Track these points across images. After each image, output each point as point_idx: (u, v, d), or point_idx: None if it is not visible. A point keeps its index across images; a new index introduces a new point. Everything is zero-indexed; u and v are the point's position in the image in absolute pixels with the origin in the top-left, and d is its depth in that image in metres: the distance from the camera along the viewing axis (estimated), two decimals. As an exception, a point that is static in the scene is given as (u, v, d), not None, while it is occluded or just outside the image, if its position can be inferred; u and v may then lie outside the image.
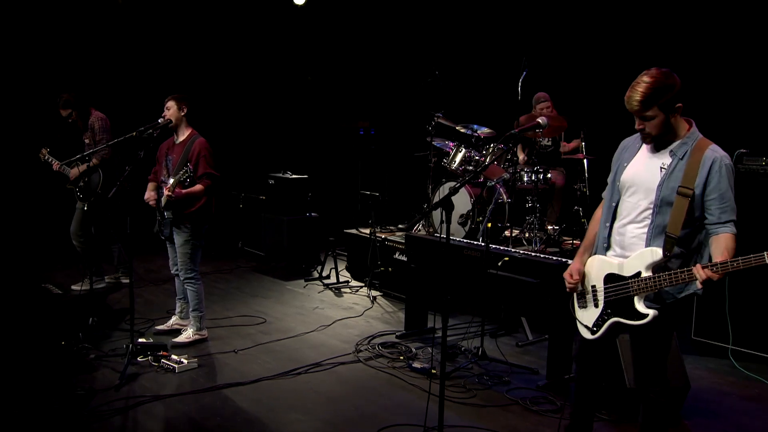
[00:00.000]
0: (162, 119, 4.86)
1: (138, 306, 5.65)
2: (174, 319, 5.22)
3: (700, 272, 2.52)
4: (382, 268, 6.50)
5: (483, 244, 4.81)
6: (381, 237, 6.58)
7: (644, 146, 2.87)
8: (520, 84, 5.93)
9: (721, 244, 2.62)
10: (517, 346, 5.06)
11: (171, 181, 4.70)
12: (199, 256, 4.95)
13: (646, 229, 2.79)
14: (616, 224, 2.92)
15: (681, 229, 2.68)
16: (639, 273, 2.75)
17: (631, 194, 2.86)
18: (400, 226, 7.32)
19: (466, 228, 6.03)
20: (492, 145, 6.12)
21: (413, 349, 4.89)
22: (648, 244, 2.78)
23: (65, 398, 3.91)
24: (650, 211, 2.78)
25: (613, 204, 2.94)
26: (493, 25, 7.96)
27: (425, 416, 3.39)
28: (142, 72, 8.19)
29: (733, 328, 4.72)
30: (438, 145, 6.53)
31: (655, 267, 2.72)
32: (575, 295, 3.05)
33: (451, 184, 6.27)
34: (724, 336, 4.78)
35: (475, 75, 8.07)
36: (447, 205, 2.98)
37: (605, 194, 3.06)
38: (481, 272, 4.57)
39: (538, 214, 6.06)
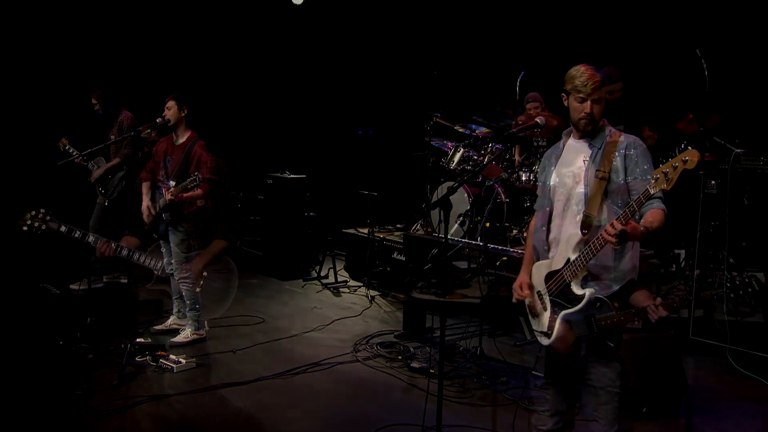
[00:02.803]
0: (161, 119, 4.84)
1: (136, 306, 5.65)
2: (172, 319, 5.21)
3: (604, 234, 2.58)
4: (381, 268, 6.50)
5: (481, 243, 4.82)
6: (379, 237, 6.58)
7: (565, 149, 2.98)
8: (518, 84, 5.94)
9: (647, 216, 2.62)
10: (515, 346, 5.05)
11: (171, 183, 4.69)
12: (194, 256, 4.94)
13: (581, 222, 2.82)
14: (554, 225, 2.95)
15: (598, 209, 2.75)
16: (568, 259, 2.79)
17: (562, 193, 2.92)
18: (398, 225, 7.32)
19: (465, 227, 6.03)
20: (490, 145, 6.13)
21: (411, 349, 4.89)
22: None
23: (64, 398, 3.90)
24: (582, 202, 2.83)
25: (547, 208, 2.99)
26: (491, 25, 7.95)
27: (423, 416, 3.40)
28: (140, 71, 8.17)
29: (732, 328, 4.72)
30: (436, 145, 6.53)
31: (579, 247, 2.76)
32: (528, 309, 3.06)
33: (450, 183, 6.26)
34: (722, 335, 4.78)
35: (473, 75, 8.07)
36: (445, 204, 2.99)
37: (537, 205, 3.11)
38: (481, 272, 4.58)
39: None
